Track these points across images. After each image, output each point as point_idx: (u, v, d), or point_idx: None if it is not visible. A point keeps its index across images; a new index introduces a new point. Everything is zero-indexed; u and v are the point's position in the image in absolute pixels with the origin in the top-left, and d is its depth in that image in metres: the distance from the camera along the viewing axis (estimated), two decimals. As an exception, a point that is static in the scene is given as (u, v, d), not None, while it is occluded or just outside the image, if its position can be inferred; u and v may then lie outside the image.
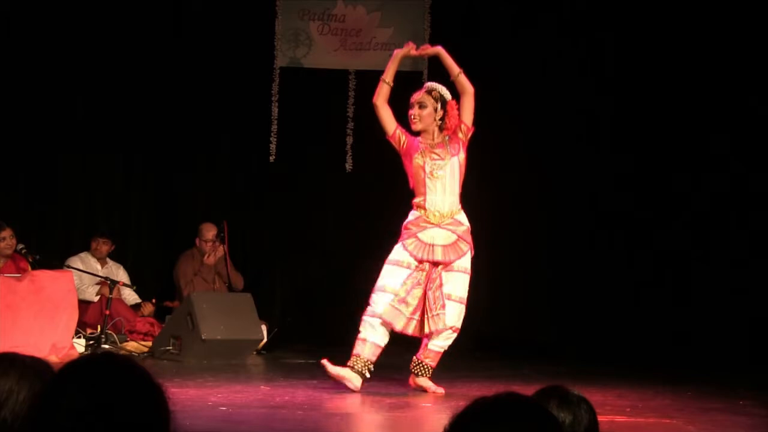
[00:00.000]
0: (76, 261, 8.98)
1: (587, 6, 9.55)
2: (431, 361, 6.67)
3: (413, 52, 6.82)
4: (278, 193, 9.99)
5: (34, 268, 8.22)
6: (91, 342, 8.24)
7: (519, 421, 1.81)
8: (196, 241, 9.44)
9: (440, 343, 6.63)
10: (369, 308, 6.56)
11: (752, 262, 9.04)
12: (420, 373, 6.67)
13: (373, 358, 6.54)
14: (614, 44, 9.48)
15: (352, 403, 6.28)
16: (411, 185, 6.72)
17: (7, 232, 8.37)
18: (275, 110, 9.87)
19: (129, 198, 9.86)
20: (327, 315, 9.68)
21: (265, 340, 8.62)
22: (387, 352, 6.74)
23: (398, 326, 6.52)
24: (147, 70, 9.64)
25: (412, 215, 6.67)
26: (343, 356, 6.84)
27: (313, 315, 9.74)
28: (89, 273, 8.82)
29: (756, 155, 9.09)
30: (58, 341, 7.66)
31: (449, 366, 7.21)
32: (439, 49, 6.82)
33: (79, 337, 8.20)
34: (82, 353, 7.75)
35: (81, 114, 9.47)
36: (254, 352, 8.47)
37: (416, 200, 6.67)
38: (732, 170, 9.15)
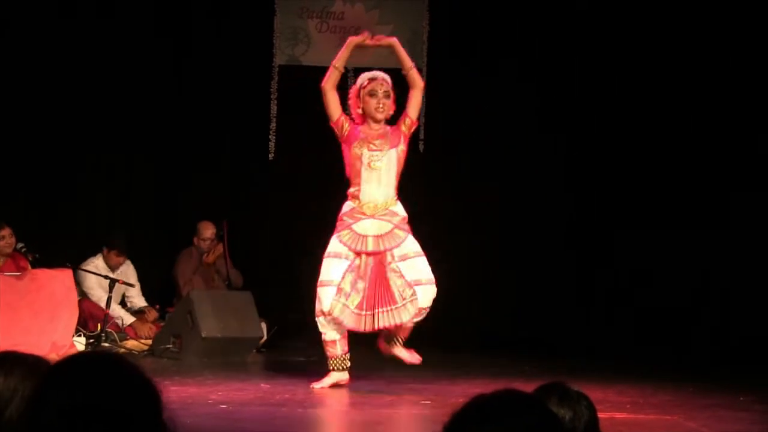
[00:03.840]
0: (90, 266, 8.87)
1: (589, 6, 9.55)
2: (403, 334, 6.69)
3: (368, 41, 6.88)
4: (277, 191, 9.98)
5: (34, 266, 8.21)
6: (91, 340, 8.24)
7: (518, 418, 1.81)
8: (194, 240, 9.43)
9: (414, 320, 6.59)
10: (318, 307, 6.57)
11: (751, 256, 9.04)
12: (391, 341, 6.68)
13: (347, 348, 6.63)
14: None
15: (352, 401, 6.29)
16: (347, 174, 6.77)
17: (6, 231, 8.36)
18: (274, 108, 9.86)
19: (128, 196, 9.84)
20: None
21: (265, 338, 8.62)
22: (379, 348, 6.75)
23: (348, 323, 6.52)
24: (146, 68, 9.63)
25: (347, 206, 6.71)
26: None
27: (312, 312, 9.72)
28: (101, 275, 8.72)
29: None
30: (58, 340, 7.66)
31: (448, 363, 7.22)
32: (394, 41, 6.90)
33: (80, 336, 8.19)
34: (75, 352, 7.74)
35: (80, 114, 9.45)
36: (254, 350, 8.47)
37: (351, 190, 6.71)
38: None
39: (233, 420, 5.45)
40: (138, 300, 9.09)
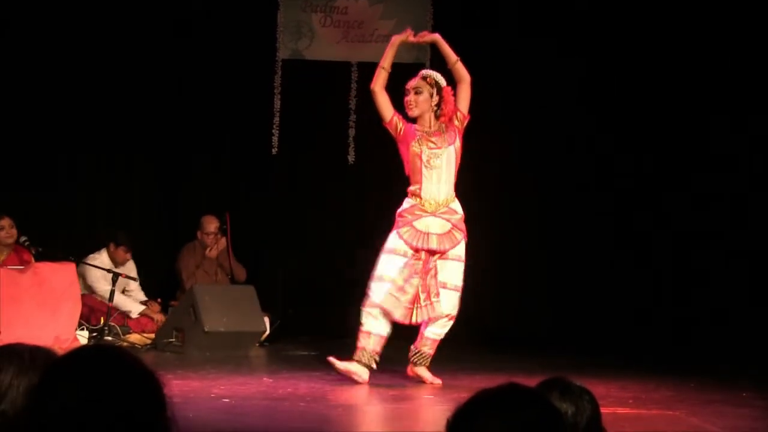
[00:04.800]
0: (94, 262, 8.80)
1: (589, 2, 9.54)
2: (429, 349, 6.68)
3: (411, 38, 6.83)
4: (280, 186, 9.98)
5: (37, 260, 8.21)
6: (94, 334, 8.25)
7: (521, 412, 1.82)
8: (197, 234, 9.43)
9: (437, 331, 6.64)
10: (368, 299, 6.56)
11: (750, 257, 9.03)
12: (418, 362, 6.68)
13: (378, 349, 6.56)
14: (609, 42, 9.47)
15: (354, 395, 6.29)
16: (407, 172, 6.72)
17: (6, 222, 8.35)
18: (277, 103, 9.86)
19: (131, 191, 9.84)
20: (329, 306, 9.68)
21: (267, 331, 8.62)
22: (387, 343, 6.74)
23: (397, 315, 6.52)
24: (149, 62, 9.63)
25: (407, 203, 6.66)
26: (345, 348, 6.85)
27: (315, 306, 9.75)
28: (104, 269, 8.67)
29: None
30: (60, 333, 7.67)
31: (452, 358, 7.21)
32: (437, 37, 6.85)
33: (83, 329, 8.20)
34: (78, 347, 7.74)
35: (83, 107, 9.45)
36: (257, 344, 8.47)
37: (412, 188, 6.66)
38: (733, 164, 9.15)
39: (236, 414, 5.46)
40: (138, 294, 9.09)
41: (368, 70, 9.86)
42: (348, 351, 6.71)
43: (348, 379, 6.54)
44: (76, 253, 8.74)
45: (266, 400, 5.90)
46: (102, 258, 8.89)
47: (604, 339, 8.94)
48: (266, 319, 8.60)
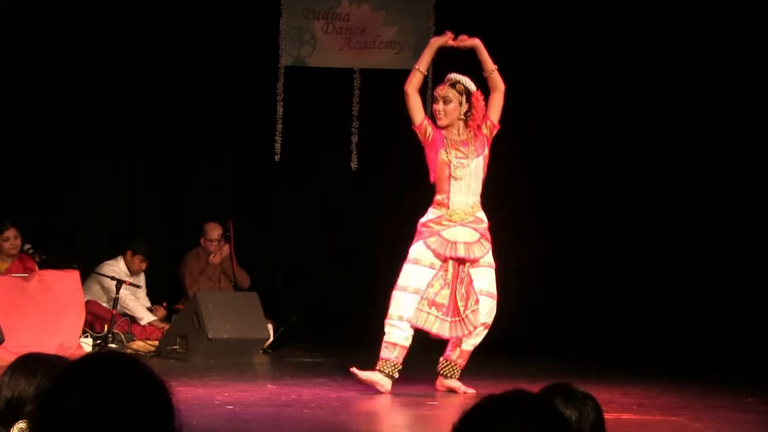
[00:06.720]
0: (109, 269, 8.82)
1: (595, 5, 9.54)
2: (463, 361, 6.59)
3: (451, 42, 6.68)
4: (283, 193, 9.99)
5: (41, 267, 8.22)
6: (98, 341, 8.25)
7: (527, 418, 1.82)
8: (201, 241, 9.44)
9: (473, 341, 6.55)
10: (393, 310, 6.44)
11: (756, 263, 9.02)
12: (449, 375, 6.57)
13: (401, 359, 6.46)
14: (621, 42, 9.47)
15: (358, 402, 6.29)
16: (432, 179, 6.57)
17: (11, 232, 8.36)
18: (280, 110, 9.87)
19: (134, 197, 9.85)
20: (333, 313, 9.68)
21: (271, 338, 8.63)
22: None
23: (434, 329, 6.40)
24: (152, 68, 9.63)
25: (432, 213, 6.51)
26: (349, 355, 6.86)
27: (318, 313, 9.75)
28: (115, 279, 8.60)
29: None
30: (65, 341, 7.67)
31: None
32: (477, 42, 6.66)
33: (86, 337, 8.20)
34: (88, 353, 7.75)
35: (85, 113, 9.46)
36: (260, 351, 8.48)
37: (438, 198, 6.51)
38: (739, 170, 9.14)
39: (239, 421, 5.46)
40: (144, 300, 9.10)
41: (371, 76, 9.90)
42: (351, 358, 6.70)
43: (355, 386, 6.52)
44: (81, 260, 8.76)
45: (270, 407, 5.91)
46: (119, 265, 8.89)
47: (607, 344, 8.93)
48: (270, 326, 8.60)
